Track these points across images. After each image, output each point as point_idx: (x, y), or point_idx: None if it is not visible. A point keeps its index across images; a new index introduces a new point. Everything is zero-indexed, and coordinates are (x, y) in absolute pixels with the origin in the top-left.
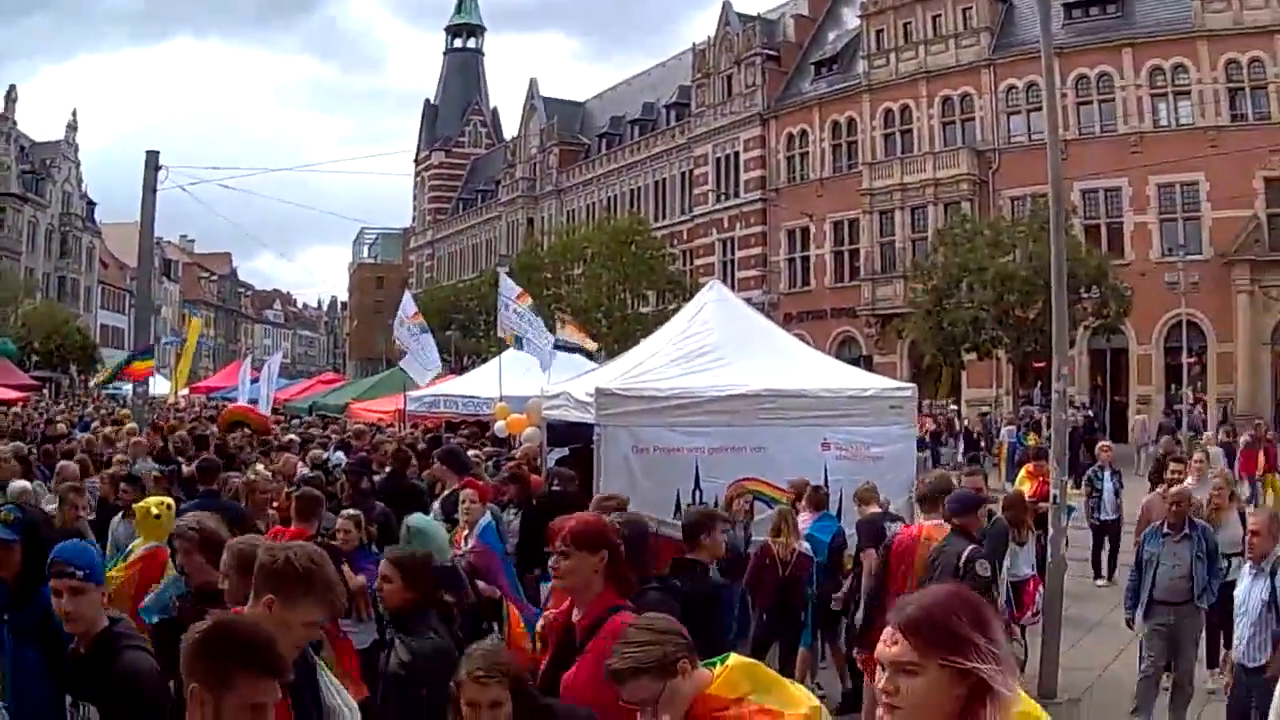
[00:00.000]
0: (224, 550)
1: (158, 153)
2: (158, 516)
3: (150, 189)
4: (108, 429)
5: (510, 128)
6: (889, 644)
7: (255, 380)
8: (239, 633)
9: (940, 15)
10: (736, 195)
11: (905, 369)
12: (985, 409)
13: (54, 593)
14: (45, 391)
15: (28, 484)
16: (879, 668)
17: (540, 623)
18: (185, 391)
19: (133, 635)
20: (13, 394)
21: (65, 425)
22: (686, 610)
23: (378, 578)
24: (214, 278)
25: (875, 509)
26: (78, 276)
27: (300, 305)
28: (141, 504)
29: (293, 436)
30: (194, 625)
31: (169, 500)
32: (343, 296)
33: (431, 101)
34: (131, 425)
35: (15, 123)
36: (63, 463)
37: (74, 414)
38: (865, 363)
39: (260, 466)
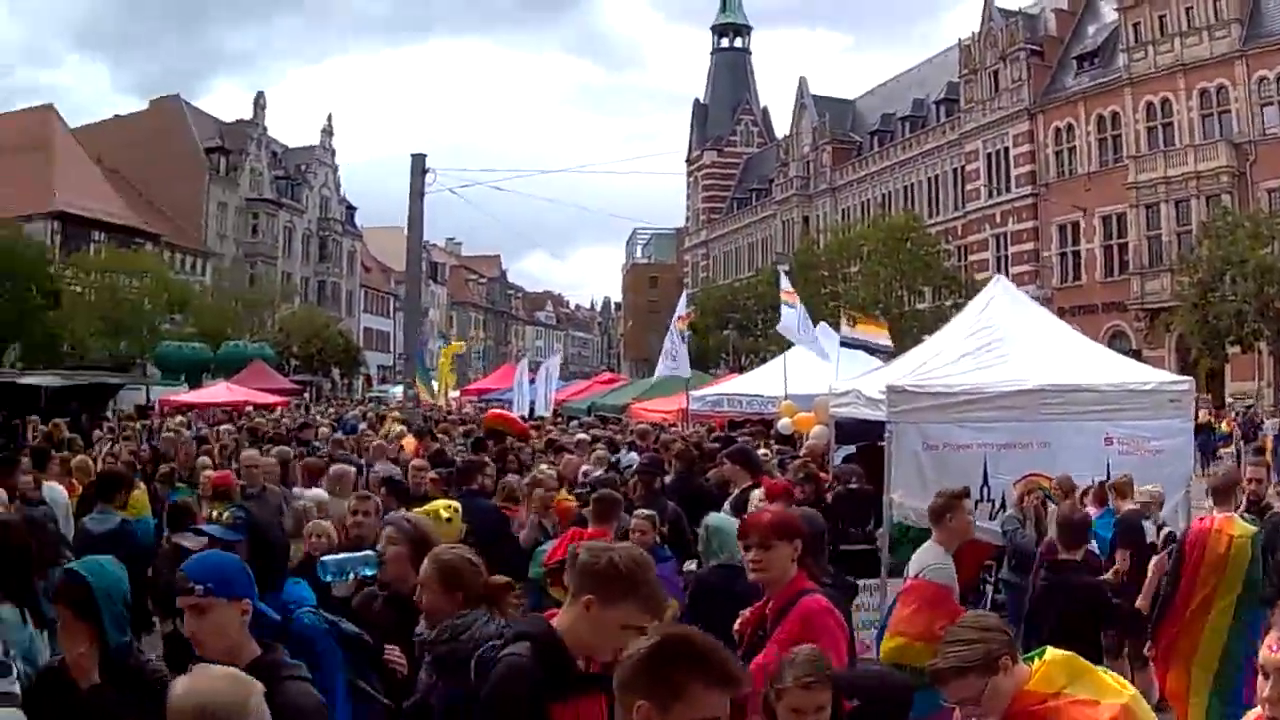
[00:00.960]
0: (426, 558)
1: (424, 156)
2: (448, 520)
3: (418, 193)
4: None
5: (779, 125)
6: (1277, 650)
7: (532, 382)
8: (694, 644)
9: (1193, 7)
10: (1007, 190)
11: (1173, 362)
12: (1249, 403)
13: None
14: (305, 396)
15: (324, 493)
16: (1260, 674)
17: (737, 623)
18: (456, 394)
19: (291, 665)
20: (272, 398)
21: (328, 428)
22: None
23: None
24: (482, 280)
25: (1131, 504)
26: (339, 280)
27: (573, 307)
28: (430, 506)
29: (583, 436)
30: (635, 642)
31: (455, 504)
32: (616, 297)
33: (701, 101)
34: (398, 428)
35: (266, 128)
36: (336, 467)
37: (331, 417)
38: (1135, 357)
39: (545, 467)
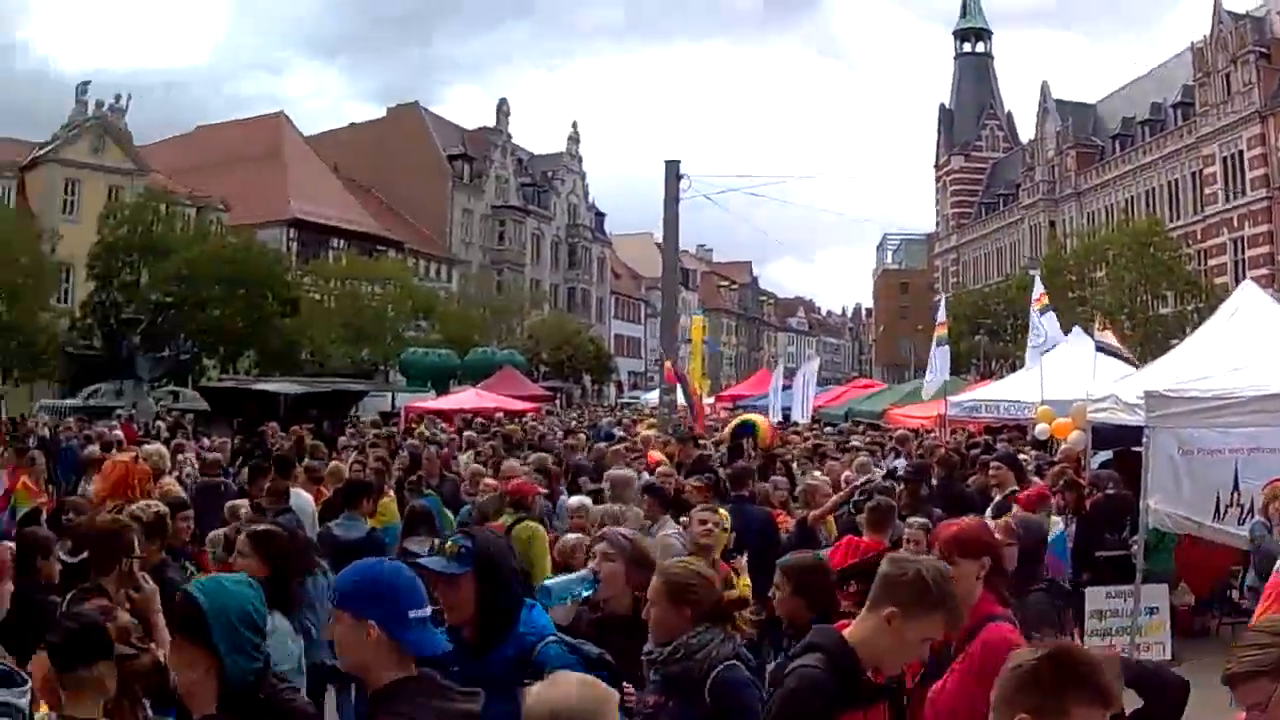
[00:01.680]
0: (654, 574)
1: (678, 163)
2: (723, 529)
3: (673, 199)
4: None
5: (1023, 130)
6: None
7: (787, 388)
8: (1079, 660)
9: None
10: (1243, 194)
11: None
12: None
13: None
14: (556, 402)
15: (587, 500)
16: None
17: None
18: (710, 400)
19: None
20: (522, 405)
21: (585, 435)
22: None
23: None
24: (734, 286)
25: None
26: (588, 287)
27: (824, 313)
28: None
29: (856, 442)
30: (1017, 653)
31: (724, 511)
32: (867, 303)
33: (946, 106)
34: (650, 433)
35: (510, 135)
36: (615, 471)
37: (582, 423)
38: None
39: (818, 473)
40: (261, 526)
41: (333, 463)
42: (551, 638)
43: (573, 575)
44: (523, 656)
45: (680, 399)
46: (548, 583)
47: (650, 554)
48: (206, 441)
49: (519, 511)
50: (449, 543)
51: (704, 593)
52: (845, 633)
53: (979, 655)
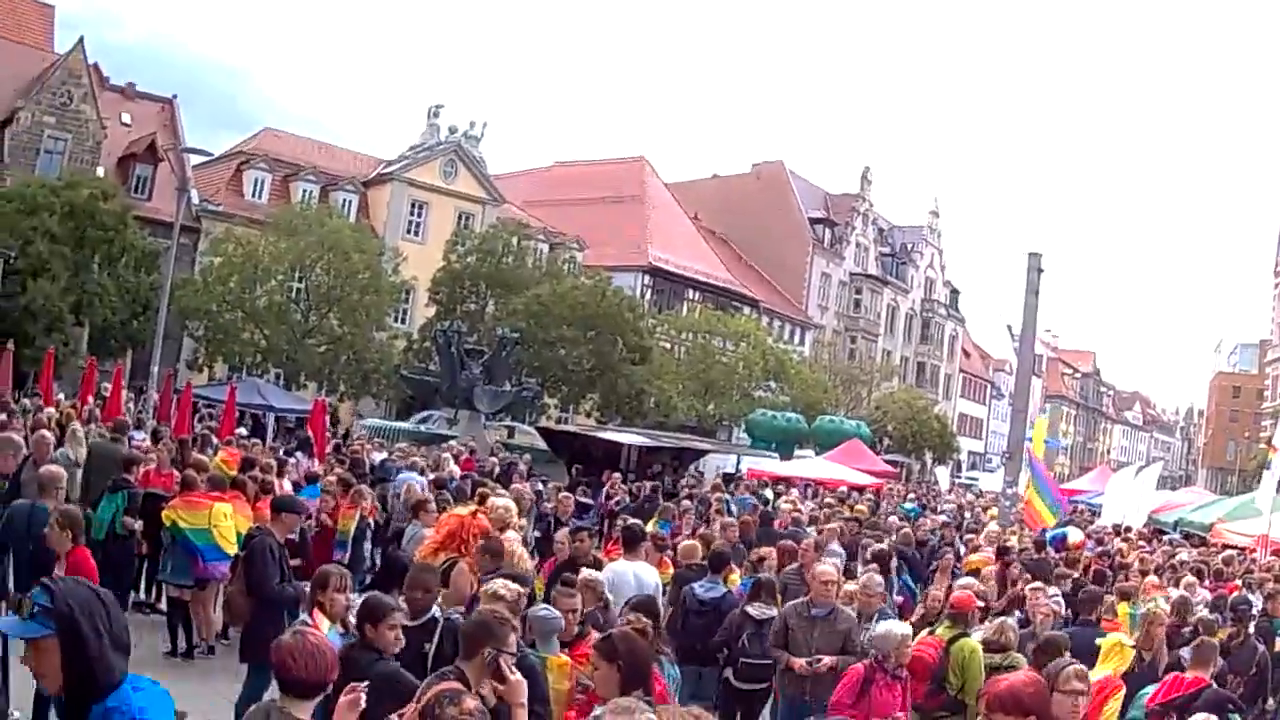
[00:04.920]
0: None
1: (1040, 255)
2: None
3: (1032, 290)
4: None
5: None
6: None
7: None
8: None
9: None
10: None
11: None
12: None
13: None
14: (897, 479)
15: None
16: None
17: None
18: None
19: None
20: (866, 479)
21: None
22: None
23: None
24: (1076, 375)
25: None
26: (938, 363)
27: (1159, 409)
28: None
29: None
30: None
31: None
32: (1200, 404)
33: None
34: (993, 527)
35: (872, 204)
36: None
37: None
38: None
39: (1160, 599)
40: (615, 631)
41: (686, 543)
42: None
43: None
44: None
45: (1021, 489)
46: None
47: None
48: (540, 486)
49: (956, 626)
50: (24, 599)
51: None
52: None
53: None
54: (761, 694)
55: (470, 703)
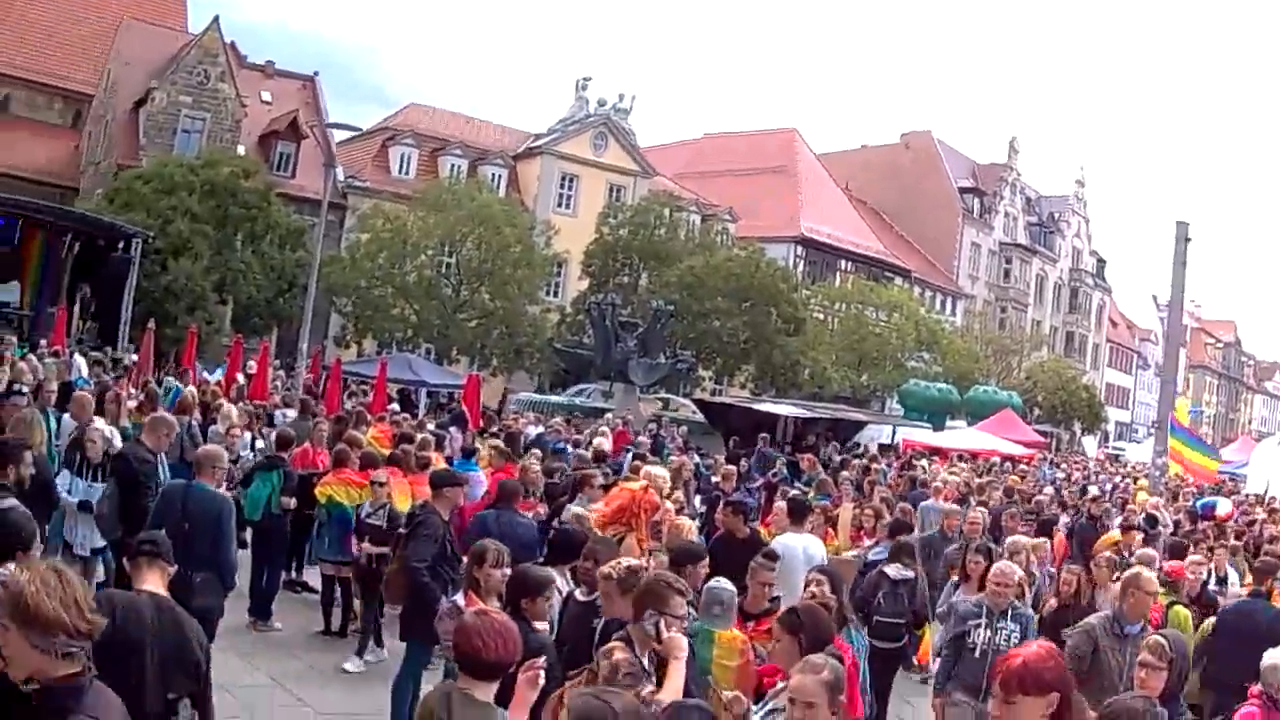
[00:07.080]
0: None
1: (1187, 224)
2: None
3: (1180, 262)
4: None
5: None
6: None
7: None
8: None
9: None
10: None
11: None
12: None
13: None
14: (1048, 450)
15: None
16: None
17: None
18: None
19: None
20: (1019, 449)
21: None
22: None
23: None
24: (1219, 344)
25: None
26: (1086, 333)
27: None
28: None
29: None
30: None
31: None
32: None
33: None
34: (1145, 496)
35: (1019, 173)
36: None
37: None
38: None
39: None
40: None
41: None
42: None
43: None
44: None
45: (1175, 470)
46: None
47: None
48: (697, 458)
49: (1170, 594)
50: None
51: None
52: None
53: None
54: (896, 652)
55: (620, 655)
